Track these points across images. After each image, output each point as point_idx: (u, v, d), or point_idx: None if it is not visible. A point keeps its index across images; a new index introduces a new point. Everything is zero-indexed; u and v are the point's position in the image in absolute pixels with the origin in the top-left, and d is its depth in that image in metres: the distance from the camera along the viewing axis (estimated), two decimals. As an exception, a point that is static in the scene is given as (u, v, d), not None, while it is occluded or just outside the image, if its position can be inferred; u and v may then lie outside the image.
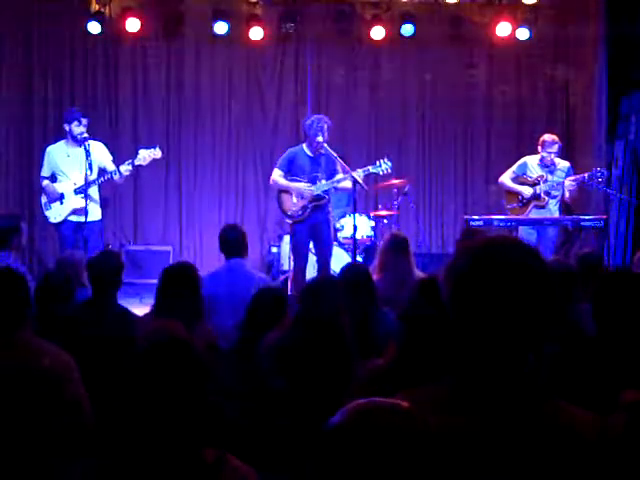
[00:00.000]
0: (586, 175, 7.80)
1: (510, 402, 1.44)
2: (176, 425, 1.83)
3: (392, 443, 1.33)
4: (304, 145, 7.29)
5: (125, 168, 7.26)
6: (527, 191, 7.94)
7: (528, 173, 8.01)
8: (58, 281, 4.10)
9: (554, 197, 7.93)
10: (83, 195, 7.16)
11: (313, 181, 7.24)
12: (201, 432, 1.84)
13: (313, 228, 7.27)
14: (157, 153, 7.38)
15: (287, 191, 7.29)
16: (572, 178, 7.83)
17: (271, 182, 7.47)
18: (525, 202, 7.95)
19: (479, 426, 1.42)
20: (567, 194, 7.86)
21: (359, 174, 7.07)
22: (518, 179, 8.03)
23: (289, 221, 7.46)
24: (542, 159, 7.96)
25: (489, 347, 1.46)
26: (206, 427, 1.85)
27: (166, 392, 1.85)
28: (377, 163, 7.34)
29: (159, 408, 1.83)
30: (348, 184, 7.15)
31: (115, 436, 1.86)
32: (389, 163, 7.32)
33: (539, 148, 7.95)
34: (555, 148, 7.94)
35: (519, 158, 8.21)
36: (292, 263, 7.56)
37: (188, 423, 1.84)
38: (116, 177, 7.30)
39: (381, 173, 7.42)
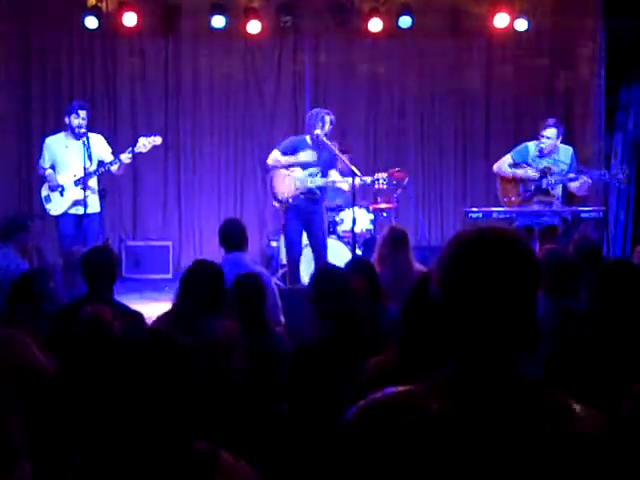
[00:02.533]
0: (607, 173, 7.23)
1: (505, 391, 1.45)
2: (165, 417, 1.81)
3: (398, 434, 1.41)
4: (307, 137, 7.28)
5: (126, 156, 7.26)
6: (533, 173, 7.07)
7: (529, 160, 7.20)
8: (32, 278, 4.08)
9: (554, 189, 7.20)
10: (82, 186, 7.15)
11: (310, 174, 7.24)
12: (192, 424, 1.83)
13: (306, 218, 7.26)
14: (157, 140, 7.41)
15: (281, 175, 7.24)
16: (587, 177, 7.01)
17: (270, 162, 7.33)
18: (529, 195, 7.13)
19: (474, 414, 1.43)
20: (576, 185, 7.09)
21: (356, 181, 7.05)
22: (517, 168, 7.23)
23: (276, 204, 7.44)
24: (539, 146, 7.16)
25: (478, 333, 1.47)
26: (197, 419, 1.84)
27: (151, 385, 1.83)
28: (375, 176, 7.35)
29: (146, 401, 1.82)
30: (344, 186, 7.18)
31: (104, 430, 1.84)
32: (385, 178, 7.34)
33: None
34: (549, 132, 7.09)
35: (518, 149, 7.81)
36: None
37: (177, 415, 1.82)
38: (115, 166, 7.29)
39: (376, 186, 7.45)
